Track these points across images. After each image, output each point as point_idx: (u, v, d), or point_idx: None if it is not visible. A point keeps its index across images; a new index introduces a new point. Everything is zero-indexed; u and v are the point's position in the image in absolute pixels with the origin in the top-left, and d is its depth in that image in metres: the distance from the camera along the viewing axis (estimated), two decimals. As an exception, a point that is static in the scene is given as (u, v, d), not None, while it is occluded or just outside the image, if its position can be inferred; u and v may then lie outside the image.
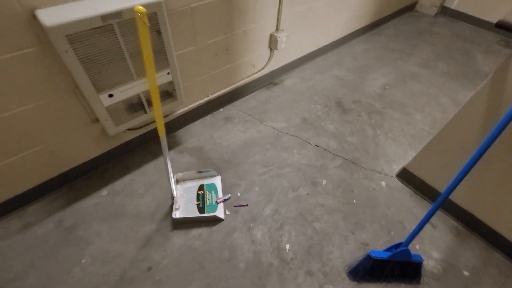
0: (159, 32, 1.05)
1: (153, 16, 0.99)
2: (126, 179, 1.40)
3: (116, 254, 1.14)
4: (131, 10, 0.92)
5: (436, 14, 3.03)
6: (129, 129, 1.39)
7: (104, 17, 0.88)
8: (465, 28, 2.81)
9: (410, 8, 3.08)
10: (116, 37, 0.95)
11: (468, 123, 1.09)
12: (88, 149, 1.30)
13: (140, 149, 1.53)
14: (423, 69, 2.25)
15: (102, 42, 0.93)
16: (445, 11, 3.00)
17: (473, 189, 1.20)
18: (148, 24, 0.59)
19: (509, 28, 0.74)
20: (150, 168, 1.45)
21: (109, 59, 0.98)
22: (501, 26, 0.75)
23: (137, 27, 0.59)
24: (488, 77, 0.97)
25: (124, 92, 1.11)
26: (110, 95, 1.07)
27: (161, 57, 1.13)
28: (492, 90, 0.97)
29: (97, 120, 1.23)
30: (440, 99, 1.98)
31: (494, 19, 2.68)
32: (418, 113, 1.88)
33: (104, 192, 1.34)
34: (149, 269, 1.11)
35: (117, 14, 0.90)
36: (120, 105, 1.13)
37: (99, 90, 1.03)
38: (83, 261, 1.11)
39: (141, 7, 0.57)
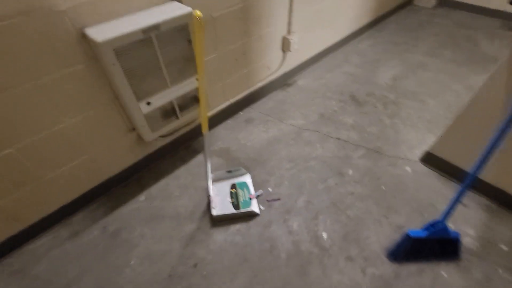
0: (189, 41, 1.13)
1: (185, 27, 1.08)
2: (161, 183, 1.46)
3: (163, 253, 1.19)
4: (167, 22, 1.01)
5: (434, 6, 3.10)
6: (160, 136, 1.46)
7: (145, 30, 0.97)
8: (465, 16, 2.87)
9: (409, 2, 3.17)
10: (154, 48, 1.03)
11: (491, 100, 1.13)
12: (124, 157, 1.37)
13: (170, 155, 1.60)
14: (430, 58, 2.31)
15: (142, 54, 1.01)
16: (442, 2, 3.08)
17: (501, 165, 1.22)
18: (203, 25, 0.66)
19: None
20: (182, 172, 1.51)
21: (147, 69, 1.06)
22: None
23: (194, 30, 0.66)
24: (508, 53, 1.01)
25: (160, 100, 1.19)
26: (148, 103, 1.15)
27: (191, 64, 1.21)
28: (510, 68, 1.02)
29: (133, 129, 1.31)
30: (452, 85, 2.02)
31: (492, 5, 2.75)
32: (431, 99, 1.92)
33: (142, 197, 1.40)
34: (195, 265, 1.15)
35: (156, 27, 0.99)
36: (156, 112, 1.21)
37: (139, 98, 1.11)
38: (131, 262, 1.16)
39: (198, 12, 0.64)
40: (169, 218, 1.31)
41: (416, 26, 2.78)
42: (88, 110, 1.10)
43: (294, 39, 1.78)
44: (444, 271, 1.12)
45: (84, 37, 0.95)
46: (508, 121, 0.92)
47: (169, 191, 1.42)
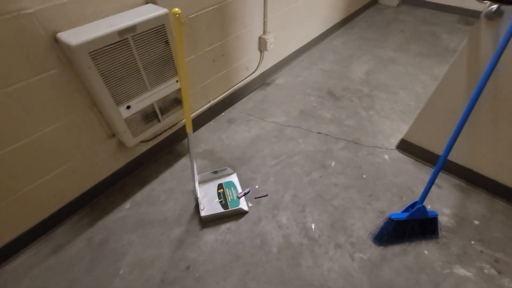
0: (167, 43, 1.13)
1: (161, 28, 1.07)
2: (146, 189, 1.43)
3: (153, 259, 1.16)
4: (143, 23, 1.00)
5: (398, 5, 3.29)
6: (142, 142, 1.43)
7: (120, 32, 0.95)
8: (426, 13, 3.07)
9: (375, 1, 3.34)
10: (131, 50, 1.02)
11: (453, 88, 1.22)
12: (106, 165, 1.33)
13: (153, 160, 1.57)
14: (399, 53, 2.45)
15: (119, 56, 1.00)
16: (405, 0, 3.27)
17: (468, 146, 1.33)
18: (182, 22, 0.67)
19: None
20: (167, 177, 1.49)
21: (125, 72, 1.05)
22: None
23: (173, 27, 0.66)
24: (462, 44, 1.11)
25: (140, 103, 1.17)
26: (128, 107, 1.13)
27: (170, 66, 1.20)
28: (469, 55, 1.12)
29: (113, 135, 1.28)
30: (419, 77, 2.16)
31: (450, 2, 2.97)
32: (402, 91, 2.04)
33: (127, 205, 1.36)
34: (188, 268, 1.14)
35: (132, 29, 0.98)
36: (136, 116, 1.19)
37: (118, 102, 1.08)
38: (121, 271, 1.13)
39: (177, 9, 0.65)
40: (157, 224, 1.29)
41: (383, 23, 2.93)
42: (65, 118, 1.07)
43: (270, 38, 1.82)
44: (425, 249, 1.19)
45: (56, 42, 0.92)
46: (471, 104, 1.01)
47: (155, 197, 1.40)
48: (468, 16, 2.93)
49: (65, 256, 1.18)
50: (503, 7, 0.94)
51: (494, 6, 0.95)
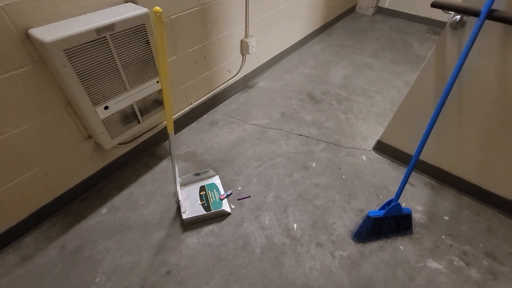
0: (147, 42, 1.11)
1: (141, 28, 1.05)
2: (125, 193, 1.38)
3: (132, 265, 1.12)
4: (123, 22, 0.98)
5: (373, 14, 3.46)
6: (120, 144, 1.39)
7: (98, 30, 0.93)
8: (399, 23, 3.26)
9: (352, 10, 3.48)
10: (110, 49, 0.99)
11: (422, 93, 1.31)
12: (81, 169, 1.27)
13: (133, 163, 1.52)
14: (374, 59, 2.57)
15: (97, 55, 0.97)
16: (380, 10, 3.45)
17: (437, 146, 1.42)
18: (163, 21, 0.66)
19: (442, 7, 0.96)
20: (147, 179, 1.45)
21: (103, 71, 1.01)
22: (435, 5, 0.96)
23: (155, 26, 0.66)
24: (430, 52, 1.19)
25: (119, 103, 1.13)
26: (106, 107, 1.09)
27: (150, 66, 1.18)
28: (436, 62, 1.20)
29: (89, 137, 1.23)
30: (393, 82, 2.28)
31: (421, 13, 3.17)
32: (378, 95, 2.13)
33: (104, 210, 1.31)
34: (168, 272, 1.11)
35: (110, 27, 0.95)
36: (115, 117, 1.15)
37: (95, 103, 1.05)
38: (97, 279, 1.08)
39: (158, 7, 0.64)
40: (136, 228, 1.25)
41: (360, 31, 3.07)
42: (37, 118, 1.01)
43: (252, 42, 1.84)
44: (401, 244, 1.25)
45: (28, 38, 0.87)
46: (439, 107, 1.09)
47: (134, 200, 1.36)
48: (436, 26, 3.14)
49: (35, 265, 1.11)
50: (466, 17, 1.02)
51: (458, 17, 1.03)
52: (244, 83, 2.14)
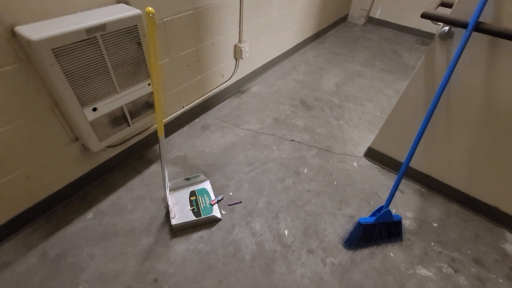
0: (139, 44, 1.09)
1: (133, 29, 1.04)
2: (112, 198, 1.34)
3: (117, 273, 1.08)
4: (114, 23, 0.96)
5: (364, 23, 3.55)
6: (108, 147, 1.35)
7: (89, 30, 0.90)
8: (389, 33, 3.34)
9: (344, 19, 3.56)
10: (100, 50, 0.97)
11: (412, 101, 1.33)
12: (67, 172, 1.23)
13: (121, 167, 1.48)
14: (365, 68, 2.62)
15: (86, 55, 0.94)
16: (371, 20, 3.54)
17: (426, 154, 1.44)
18: (156, 22, 0.65)
19: (431, 18, 0.98)
20: (135, 184, 1.42)
21: (93, 72, 0.99)
22: (425, 16, 0.99)
23: (147, 27, 0.65)
24: (420, 62, 1.22)
25: (108, 105, 1.11)
26: (94, 109, 1.06)
27: (142, 68, 1.16)
28: (426, 71, 1.23)
29: (76, 139, 1.19)
30: (384, 90, 2.32)
31: (410, 24, 3.26)
32: (369, 103, 2.17)
33: (90, 215, 1.26)
34: (155, 280, 1.08)
35: (101, 27, 0.93)
36: (104, 119, 1.12)
37: (83, 104, 1.02)
38: (79, 287, 1.03)
39: (150, 8, 0.63)
40: (122, 234, 1.21)
41: (351, 40, 3.13)
42: (21, 118, 0.97)
43: (245, 47, 1.84)
44: (391, 251, 1.25)
45: (14, 35, 0.84)
46: (428, 116, 1.10)
47: (122, 205, 1.32)
48: (425, 37, 3.23)
49: (13, 273, 1.05)
50: (454, 29, 1.05)
51: (446, 28, 1.06)
52: (237, 88, 2.13)
